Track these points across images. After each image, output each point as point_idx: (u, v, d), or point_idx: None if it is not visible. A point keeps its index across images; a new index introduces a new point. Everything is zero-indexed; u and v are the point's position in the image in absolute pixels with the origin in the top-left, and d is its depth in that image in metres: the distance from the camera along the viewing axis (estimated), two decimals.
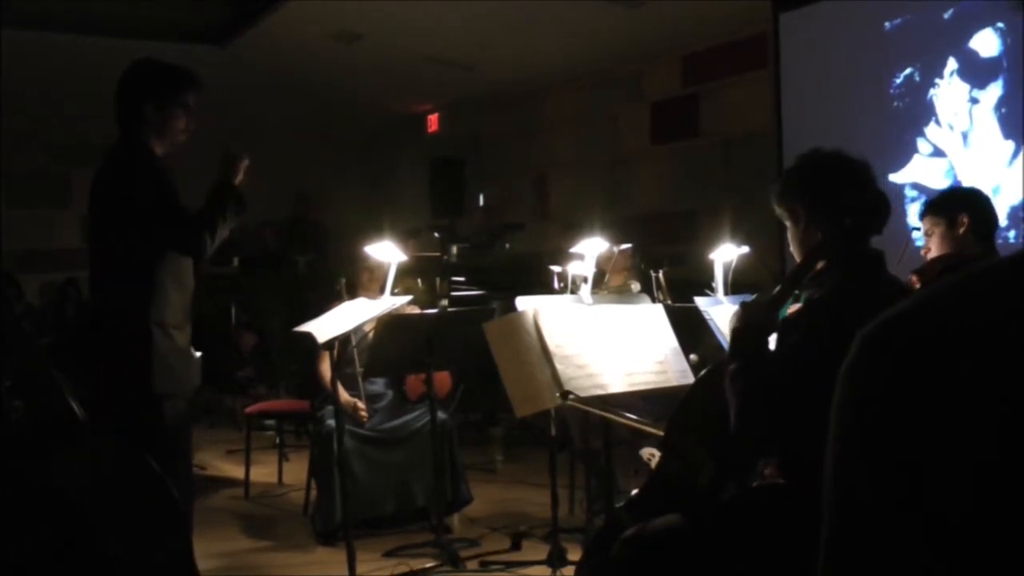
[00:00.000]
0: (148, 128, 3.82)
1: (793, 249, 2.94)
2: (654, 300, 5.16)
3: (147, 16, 8.77)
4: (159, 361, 3.73)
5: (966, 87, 6.54)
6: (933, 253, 4.14)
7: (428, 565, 4.90)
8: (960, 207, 4.13)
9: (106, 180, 3.81)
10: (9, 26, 7.84)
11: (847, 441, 0.89)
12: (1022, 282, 0.84)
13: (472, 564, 4.98)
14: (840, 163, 2.86)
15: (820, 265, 2.78)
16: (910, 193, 6.76)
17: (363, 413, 5.57)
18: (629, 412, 3.75)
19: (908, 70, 6.90)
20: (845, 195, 2.81)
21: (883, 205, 2.83)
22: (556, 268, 5.54)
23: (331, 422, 5.23)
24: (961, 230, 4.07)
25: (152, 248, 3.76)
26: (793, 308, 2.90)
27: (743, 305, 2.82)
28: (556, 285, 5.45)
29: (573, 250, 4.74)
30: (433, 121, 12.36)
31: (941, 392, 0.81)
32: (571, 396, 3.66)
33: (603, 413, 3.81)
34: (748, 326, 2.76)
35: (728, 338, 2.85)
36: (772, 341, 2.77)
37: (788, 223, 2.93)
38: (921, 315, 0.87)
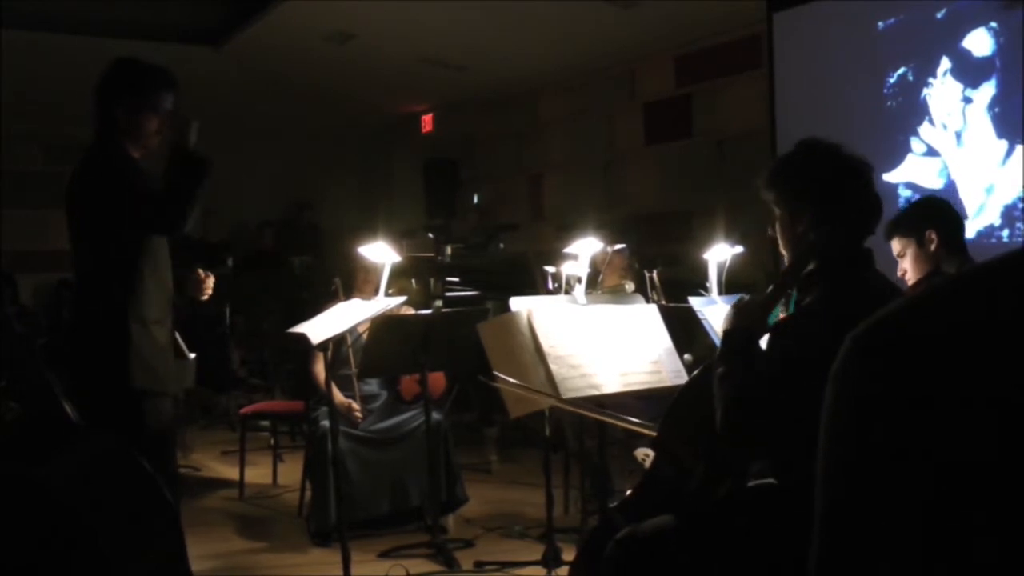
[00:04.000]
0: (119, 130, 3.77)
1: (782, 243, 2.86)
2: (648, 300, 5.17)
3: (143, 17, 8.77)
4: (137, 358, 3.69)
5: (959, 87, 6.55)
6: (910, 275, 4.07)
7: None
8: (925, 223, 4.06)
9: (77, 181, 3.77)
10: (7, 26, 7.84)
11: (838, 441, 0.89)
12: (1010, 283, 0.84)
13: (467, 564, 4.99)
14: (844, 160, 2.78)
15: (811, 266, 2.77)
16: (904, 193, 6.77)
17: (358, 414, 5.56)
18: (623, 412, 3.75)
19: (901, 70, 6.91)
20: (848, 195, 2.77)
21: (876, 206, 2.81)
22: (550, 268, 5.55)
23: (326, 423, 5.23)
24: (932, 246, 4.02)
25: (126, 245, 3.72)
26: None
27: (735, 306, 2.81)
28: (550, 285, 5.45)
29: (567, 250, 4.75)
30: (427, 122, 12.36)
31: (932, 392, 0.81)
32: (498, 378, 3.66)
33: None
34: (740, 328, 2.75)
35: (720, 339, 2.83)
36: (763, 342, 2.77)
37: (779, 213, 2.85)
38: (911, 316, 0.87)
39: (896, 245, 4.10)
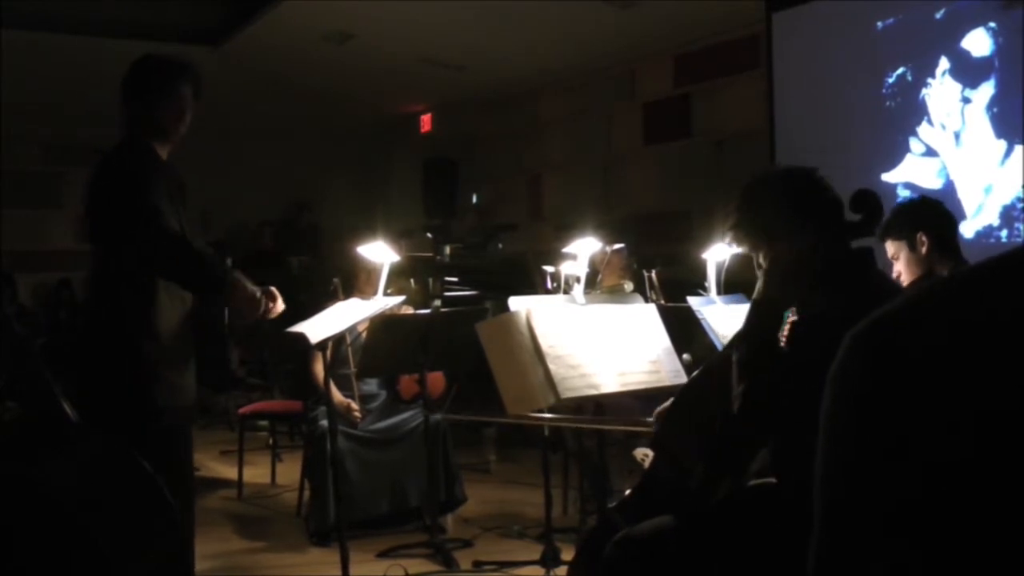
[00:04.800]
0: (146, 127, 3.75)
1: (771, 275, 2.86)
2: (647, 300, 5.16)
3: (142, 17, 8.77)
4: (158, 378, 3.64)
5: (958, 87, 6.56)
6: (904, 277, 4.06)
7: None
8: (915, 226, 4.04)
9: (93, 183, 3.75)
10: (5, 26, 7.83)
11: (837, 441, 0.89)
12: (1009, 282, 0.84)
13: (466, 564, 4.99)
14: (786, 176, 2.81)
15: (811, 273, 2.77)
16: (903, 193, 6.77)
17: (357, 414, 5.56)
18: (622, 412, 3.76)
19: (900, 70, 6.91)
20: (814, 199, 2.77)
21: (876, 206, 2.81)
22: (549, 268, 5.55)
23: (324, 423, 5.22)
24: (923, 249, 4.02)
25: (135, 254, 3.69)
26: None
27: (766, 271, 2.82)
28: (549, 285, 5.45)
29: (566, 250, 4.74)
30: (426, 121, 12.36)
31: (931, 392, 0.81)
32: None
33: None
34: (767, 298, 2.77)
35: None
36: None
37: (767, 253, 2.80)
38: (909, 315, 0.87)
39: (890, 248, 4.10)
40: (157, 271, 3.65)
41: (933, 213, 4.17)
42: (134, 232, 3.62)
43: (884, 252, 4.04)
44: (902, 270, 4.08)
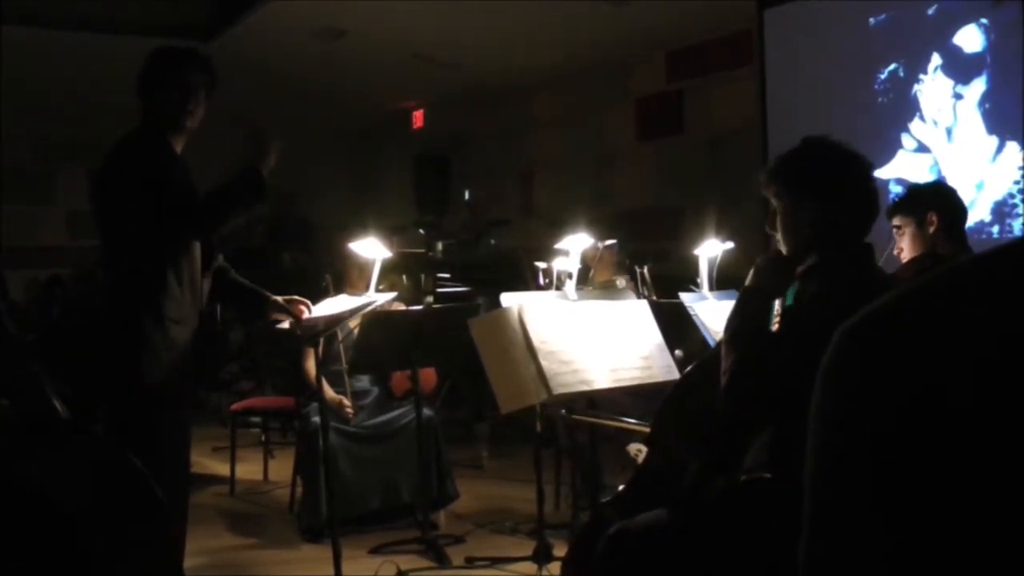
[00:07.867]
0: (161, 119, 3.78)
1: (782, 237, 2.88)
2: (639, 296, 5.16)
3: (132, 13, 8.74)
4: (150, 354, 3.67)
5: (950, 83, 6.56)
6: (906, 253, 4.16)
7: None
8: (928, 206, 4.14)
9: (104, 170, 3.76)
10: None
11: (828, 436, 0.89)
12: (1004, 276, 0.84)
13: (458, 560, 4.99)
14: (847, 156, 2.82)
15: (811, 260, 2.78)
16: (895, 188, 6.78)
17: (349, 410, 5.56)
18: (616, 409, 3.76)
19: (892, 66, 6.91)
20: (849, 190, 2.79)
21: (874, 202, 2.83)
22: (541, 264, 5.55)
23: (316, 419, 5.22)
24: (931, 229, 4.09)
25: (146, 243, 3.70)
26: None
27: (755, 265, 2.85)
28: (541, 281, 5.45)
29: (558, 246, 4.74)
30: (418, 118, 12.35)
31: (922, 386, 0.81)
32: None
33: (589, 420, 3.81)
34: (757, 287, 2.79)
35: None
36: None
37: (780, 206, 2.86)
38: (902, 309, 0.87)
39: (897, 221, 4.18)
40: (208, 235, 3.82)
41: (948, 198, 4.30)
42: (169, 227, 3.66)
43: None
44: (905, 246, 4.16)
